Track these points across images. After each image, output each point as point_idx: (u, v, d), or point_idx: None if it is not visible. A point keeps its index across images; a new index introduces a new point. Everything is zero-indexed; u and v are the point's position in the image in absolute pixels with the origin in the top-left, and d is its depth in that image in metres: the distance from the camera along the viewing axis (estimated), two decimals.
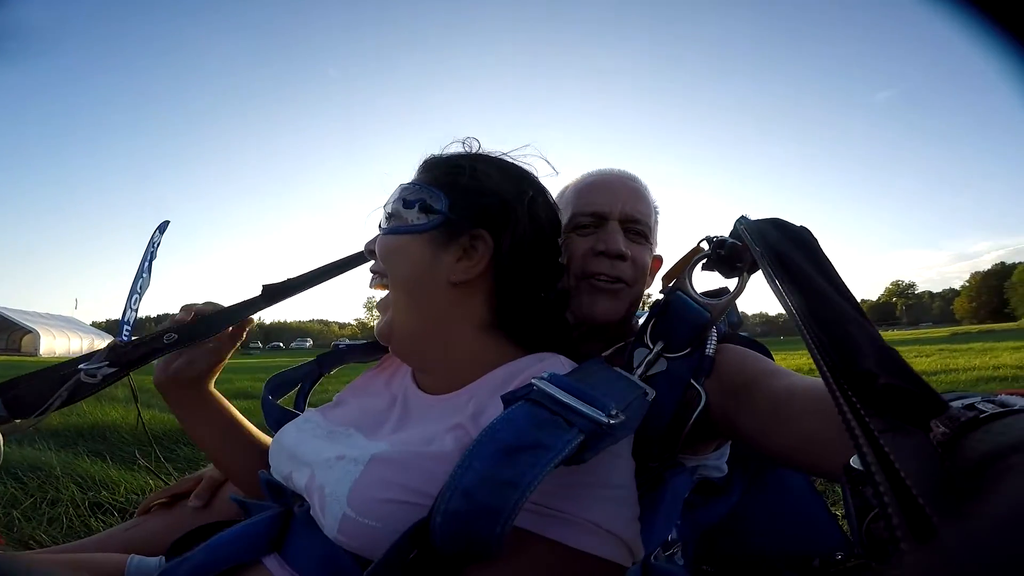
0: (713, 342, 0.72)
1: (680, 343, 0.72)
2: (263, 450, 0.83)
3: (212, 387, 0.87)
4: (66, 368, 0.83)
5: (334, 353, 0.94)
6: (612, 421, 0.47)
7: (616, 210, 0.85)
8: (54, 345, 35.35)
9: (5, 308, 38.25)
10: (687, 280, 0.75)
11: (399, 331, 0.70)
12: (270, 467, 0.70)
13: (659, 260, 0.96)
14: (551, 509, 0.50)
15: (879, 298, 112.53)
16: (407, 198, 0.70)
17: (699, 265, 0.75)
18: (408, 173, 0.75)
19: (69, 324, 42.02)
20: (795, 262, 0.54)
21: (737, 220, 0.67)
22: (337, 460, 0.58)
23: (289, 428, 0.72)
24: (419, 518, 0.47)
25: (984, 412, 0.39)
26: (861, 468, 0.32)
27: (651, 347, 0.73)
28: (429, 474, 0.47)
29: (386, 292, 0.72)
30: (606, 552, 0.51)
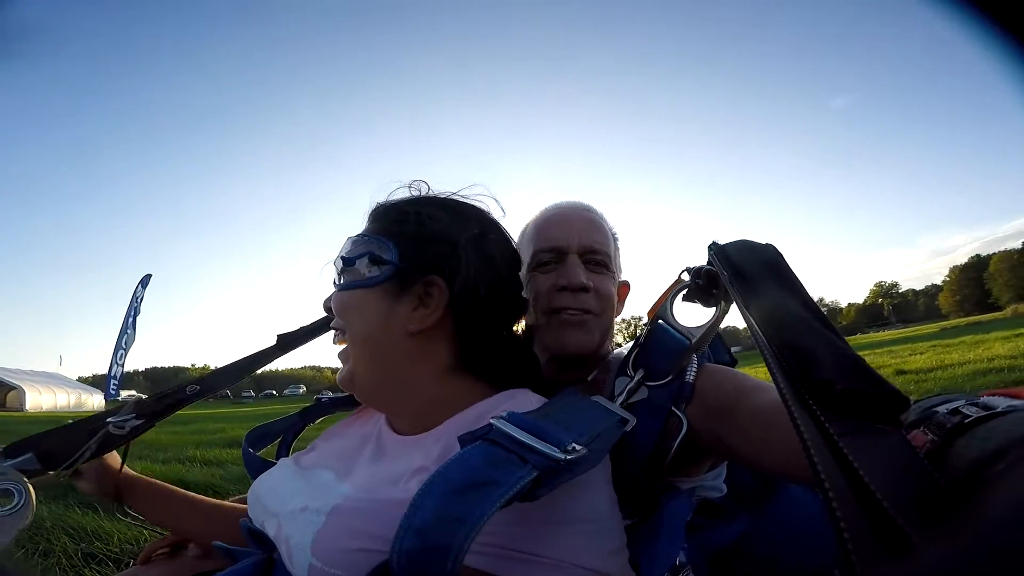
0: (694, 369, 0.73)
1: (661, 371, 0.72)
2: (221, 514, 0.88)
3: (139, 478, 0.92)
4: (95, 422, 0.86)
5: (317, 406, 0.94)
6: (568, 457, 0.47)
7: (574, 243, 0.87)
8: (40, 401, 34.48)
9: None
10: (669, 310, 0.76)
11: (361, 383, 0.70)
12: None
13: (626, 286, 0.98)
14: (512, 550, 0.50)
15: (865, 300, 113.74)
16: (356, 252, 0.69)
17: (680, 296, 0.76)
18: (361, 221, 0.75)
19: (54, 380, 41.05)
20: (757, 279, 0.56)
21: (709, 246, 0.69)
22: (301, 512, 0.59)
23: (264, 478, 0.73)
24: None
25: (969, 416, 0.40)
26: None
27: (632, 375, 0.74)
28: (392, 520, 0.45)
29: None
30: None
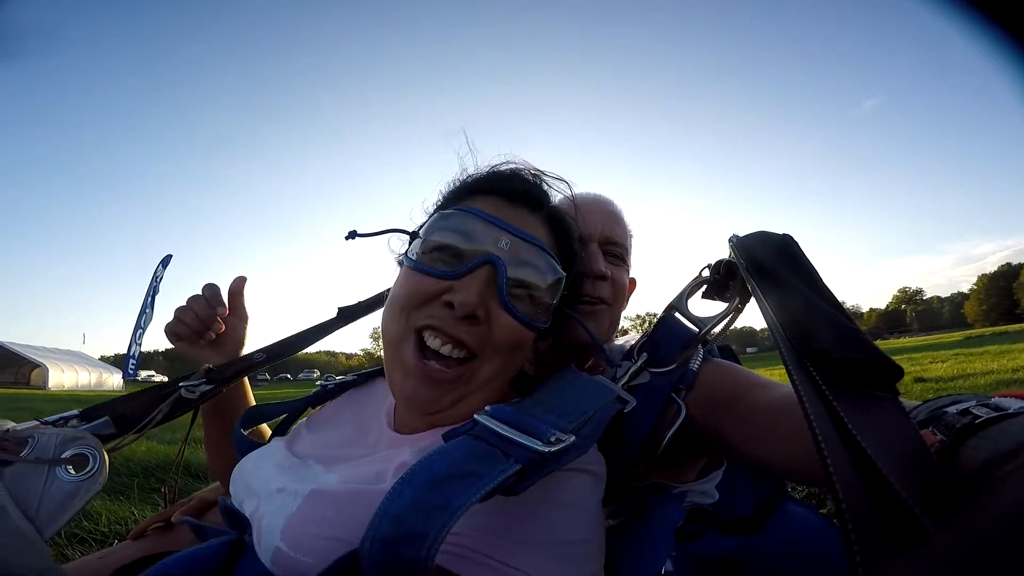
0: (698, 359, 0.73)
1: (666, 357, 0.73)
2: None
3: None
4: (167, 388, 0.91)
5: (321, 393, 0.94)
6: (551, 449, 0.47)
7: (596, 233, 0.88)
8: (63, 379, 35.48)
9: (14, 343, 38.68)
10: (683, 301, 0.77)
11: (474, 407, 0.64)
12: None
13: (633, 282, 0.99)
14: (486, 556, 0.50)
15: (887, 306, 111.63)
16: (544, 290, 0.68)
17: (700, 293, 0.77)
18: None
19: (77, 358, 42.15)
20: (770, 265, 0.58)
21: (729, 238, 0.70)
22: (278, 492, 0.59)
23: (251, 456, 0.73)
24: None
25: (979, 417, 0.39)
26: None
27: (636, 359, 0.75)
28: (369, 513, 0.44)
29: (456, 363, 0.65)
30: None
